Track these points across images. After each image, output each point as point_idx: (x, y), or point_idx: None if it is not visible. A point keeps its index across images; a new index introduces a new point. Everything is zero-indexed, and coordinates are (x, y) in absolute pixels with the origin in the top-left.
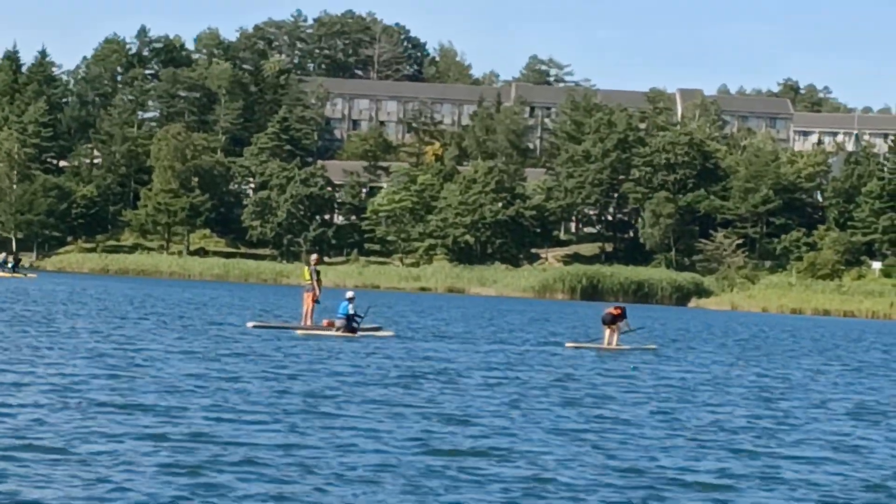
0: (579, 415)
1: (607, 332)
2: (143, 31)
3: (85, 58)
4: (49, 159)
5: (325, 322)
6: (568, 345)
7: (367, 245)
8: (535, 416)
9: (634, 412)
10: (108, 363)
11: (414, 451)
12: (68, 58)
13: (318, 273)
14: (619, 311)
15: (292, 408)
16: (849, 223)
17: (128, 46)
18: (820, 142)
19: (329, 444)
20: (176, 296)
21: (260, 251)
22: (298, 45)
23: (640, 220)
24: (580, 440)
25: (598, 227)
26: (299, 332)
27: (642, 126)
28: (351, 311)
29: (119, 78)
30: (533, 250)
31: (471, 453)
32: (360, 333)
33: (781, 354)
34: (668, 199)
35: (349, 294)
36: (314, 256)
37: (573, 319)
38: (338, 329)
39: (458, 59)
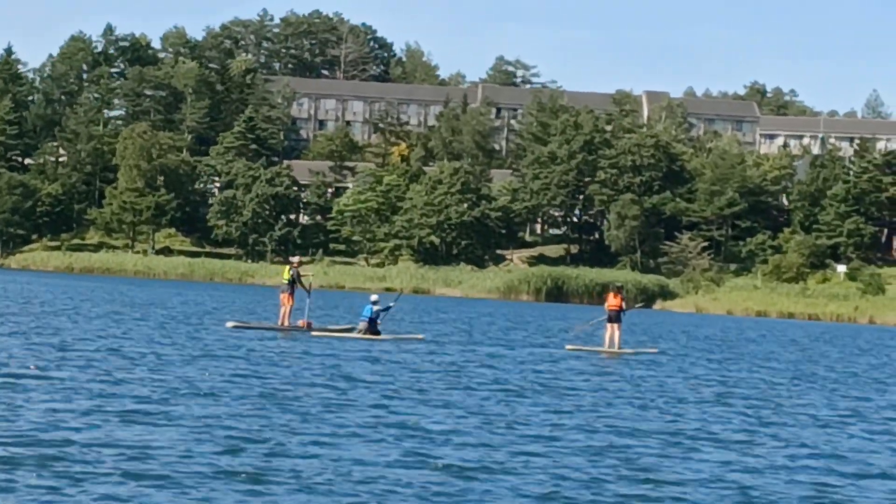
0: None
1: (609, 330)
2: (109, 30)
3: (51, 56)
4: (14, 157)
5: (300, 322)
6: (568, 347)
7: (332, 245)
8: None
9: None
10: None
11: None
12: (34, 55)
13: (299, 278)
14: (618, 299)
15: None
16: (814, 226)
17: (94, 45)
18: (786, 145)
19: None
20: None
21: (225, 250)
22: (265, 44)
23: (605, 221)
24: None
25: (563, 228)
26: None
27: (608, 128)
28: (375, 314)
29: (85, 76)
30: (498, 251)
31: None
32: (384, 336)
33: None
34: (634, 201)
35: (373, 297)
36: (296, 258)
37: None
38: (361, 331)
39: (424, 59)
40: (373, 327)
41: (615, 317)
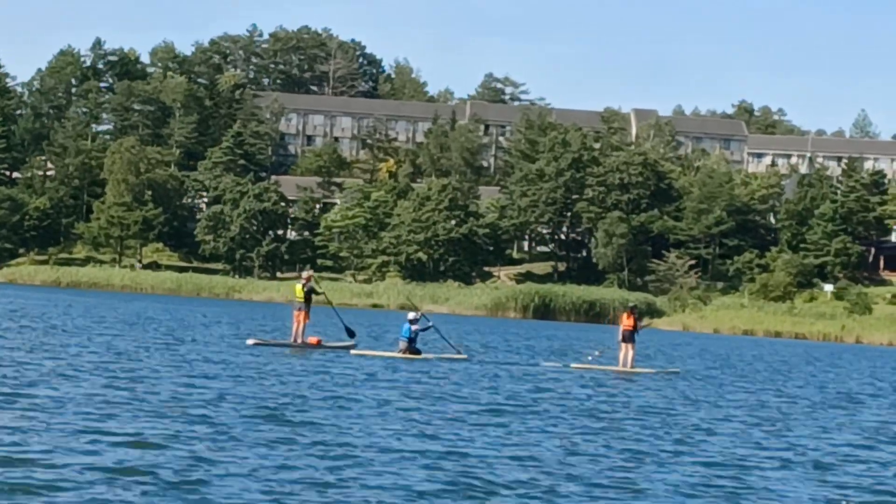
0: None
1: (623, 350)
2: (97, 44)
3: (39, 69)
4: (2, 171)
5: (311, 340)
6: (574, 366)
7: (319, 261)
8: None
9: None
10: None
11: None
12: (22, 69)
13: (313, 290)
14: (632, 319)
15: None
16: (801, 245)
17: (82, 59)
18: (773, 164)
19: None
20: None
21: (212, 265)
22: (254, 59)
23: (593, 239)
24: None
25: (551, 245)
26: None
27: (596, 146)
28: (414, 333)
29: (73, 90)
30: (486, 268)
31: None
32: (425, 355)
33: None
34: (622, 219)
35: (411, 315)
36: (306, 273)
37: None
38: (402, 351)
39: (413, 76)
40: (413, 347)
41: (629, 337)
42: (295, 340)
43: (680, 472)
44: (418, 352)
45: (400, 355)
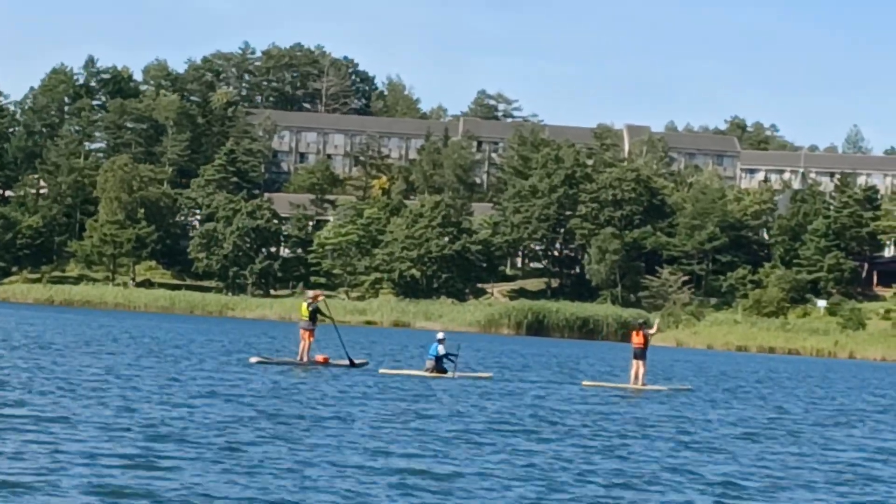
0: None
1: (634, 367)
2: (90, 62)
3: (32, 88)
4: None
5: (318, 358)
6: (585, 383)
7: (313, 278)
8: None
9: None
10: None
11: None
12: (15, 87)
13: (318, 309)
14: (641, 337)
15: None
16: (794, 261)
17: (75, 77)
18: (766, 179)
19: None
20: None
21: (206, 283)
22: (246, 77)
23: (586, 255)
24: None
25: (544, 262)
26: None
27: (589, 162)
28: (441, 352)
29: (66, 108)
30: (479, 285)
31: None
32: (452, 374)
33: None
34: (615, 236)
35: (440, 335)
36: (312, 293)
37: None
38: (429, 370)
39: (406, 93)
40: (440, 366)
41: (640, 354)
42: (301, 359)
43: None
44: (444, 371)
45: (427, 374)
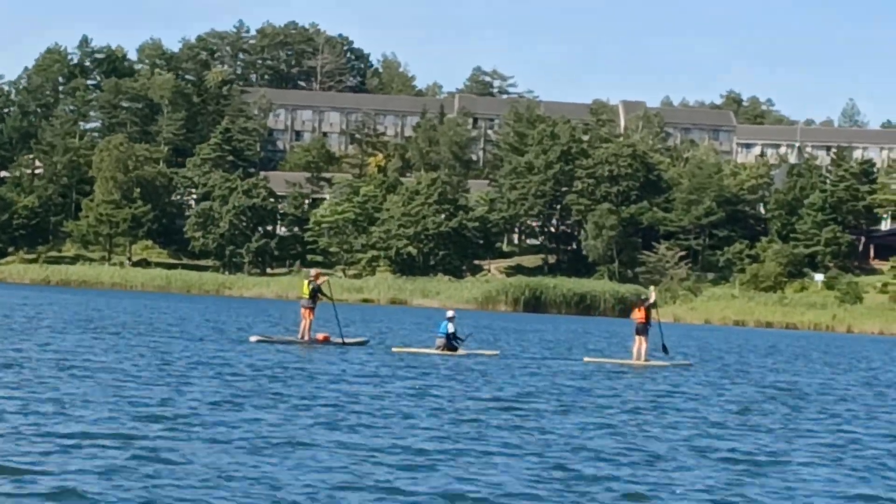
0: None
1: (637, 342)
2: (85, 42)
3: (26, 68)
4: None
5: (319, 336)
6: (586, 360)
7: (309, 256)
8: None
9: None
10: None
11: None
12: (9, 68)
13: (319, 289)
14: (643, 312)
15: None
16: (791, 235)
17: (69, 56)
18: (762, 154)
19: None
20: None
21: (202, 262)
22: (241, 55)
23: (582, 231)
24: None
25: (540, 238)
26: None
27: (585, 138)
28: (451, 330)
29: (61, 88)
30: (476, 262)
31: None
32: (462, 351)
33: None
34: (611, 211)
35: (450, 313)
36: (314, 271)
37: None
38: (439, 347)
39: (401, 70)
40: (450, 343)
41: (642, 329)
42: (302, 337)
43: None
44: (455, 348)
45: (437, 352)
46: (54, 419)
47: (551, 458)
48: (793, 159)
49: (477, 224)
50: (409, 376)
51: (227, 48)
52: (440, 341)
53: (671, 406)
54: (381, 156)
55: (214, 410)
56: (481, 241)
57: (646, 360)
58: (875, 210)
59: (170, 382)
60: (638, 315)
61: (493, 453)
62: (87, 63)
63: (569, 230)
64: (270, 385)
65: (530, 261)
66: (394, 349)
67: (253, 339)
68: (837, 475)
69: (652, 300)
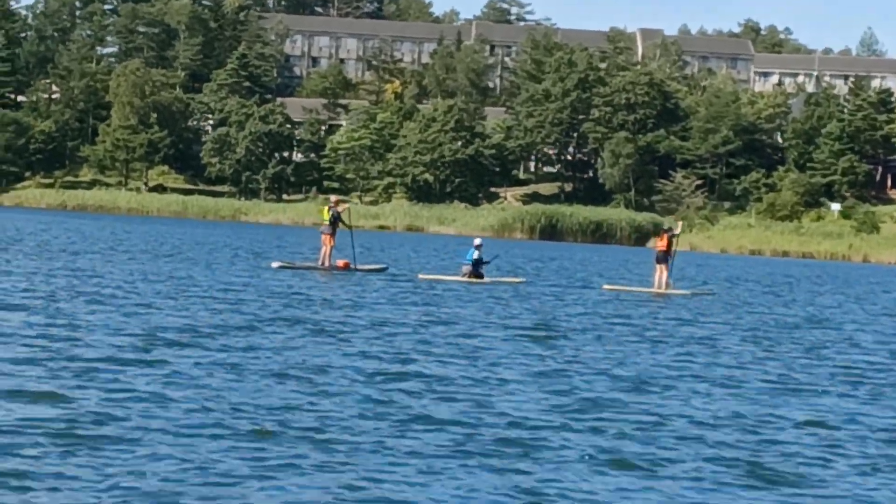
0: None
1: (658, 271)
2: None
3: None
4: (7, 94)
5: (339, 263)
6: (605, 287)
7: (326, 183)
8: None
9: None
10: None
11: None
12: None
13: (338, 217)
14: (665, 240)
15: None
16: (808, 164)
17: None
18: (780, 83)
19: None
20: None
21: (218, 188)
22: None
23: (599, 159)
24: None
25: (557, 166)
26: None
27: (602, 66)
28: (477, 257)
29: (78, 13)
30: (492, 189)
31: None
32: (487, 279)
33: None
34: (628, 140)
35: (477, 241)
36: (334, 198)
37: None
38: (465, 275)
39: None
40: (476, 270)
41: (662, 258)
42: (322, 264)
43: None
44: (481, 276)
45: (464, 279)
46: (71, 343)
47: (574, 385)
48: (810, 88)
49: (493, 151)
50: (429, 303)
51: None
52: (466, 268)
53: (691, 336)
54: (397, 83)
55: (246, 334)
56: (498, 169)
57: (667, 288)
58: (892, 140)
59: (197, 307)
60: (660, 243)
61: (510, 381)
62: None
63: (585, 158)
64: (299, 311)
65: (547, 188)
66: (420, 276)
67: (275, 265)
68: (857, 399)
69: (677, 232)
